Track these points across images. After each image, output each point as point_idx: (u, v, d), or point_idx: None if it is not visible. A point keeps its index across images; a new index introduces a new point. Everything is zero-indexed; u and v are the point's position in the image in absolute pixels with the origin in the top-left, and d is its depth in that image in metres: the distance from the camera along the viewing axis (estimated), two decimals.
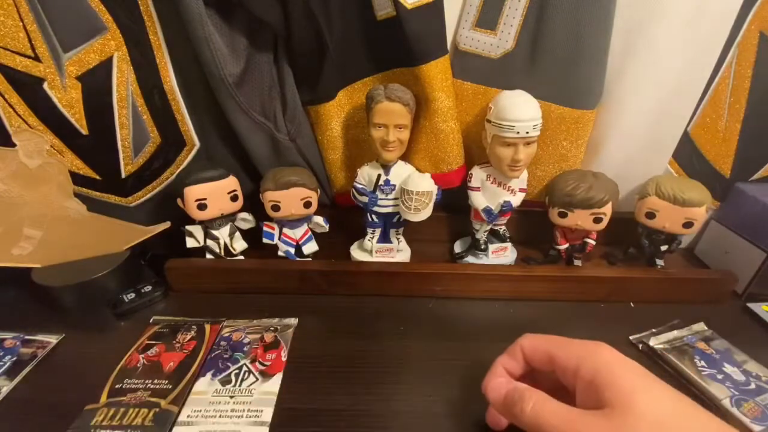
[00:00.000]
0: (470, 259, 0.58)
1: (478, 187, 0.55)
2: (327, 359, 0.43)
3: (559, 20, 0.48)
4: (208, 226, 0.55)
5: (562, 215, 0.54)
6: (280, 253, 0.56)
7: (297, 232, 0.57)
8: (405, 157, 0.55)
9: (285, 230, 0.56)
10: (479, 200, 0.55)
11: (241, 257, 0.57)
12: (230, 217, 0.56)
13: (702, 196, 0.51)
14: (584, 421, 0.24)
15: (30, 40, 0.45)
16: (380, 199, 0.54)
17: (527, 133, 0.47)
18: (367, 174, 0.54)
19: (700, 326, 0.47)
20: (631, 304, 0.52)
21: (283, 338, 0.45)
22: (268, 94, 0.53)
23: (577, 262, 0.58)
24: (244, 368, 0.41)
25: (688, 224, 0.52)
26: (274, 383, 0.39)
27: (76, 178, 0.51)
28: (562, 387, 0.29)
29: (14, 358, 0.42)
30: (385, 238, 0.58)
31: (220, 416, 0.36)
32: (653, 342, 0.44)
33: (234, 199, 0.54)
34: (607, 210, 0.52)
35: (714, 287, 0.52)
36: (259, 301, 0.51)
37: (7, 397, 0.38)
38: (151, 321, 0.48)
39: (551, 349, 0.29)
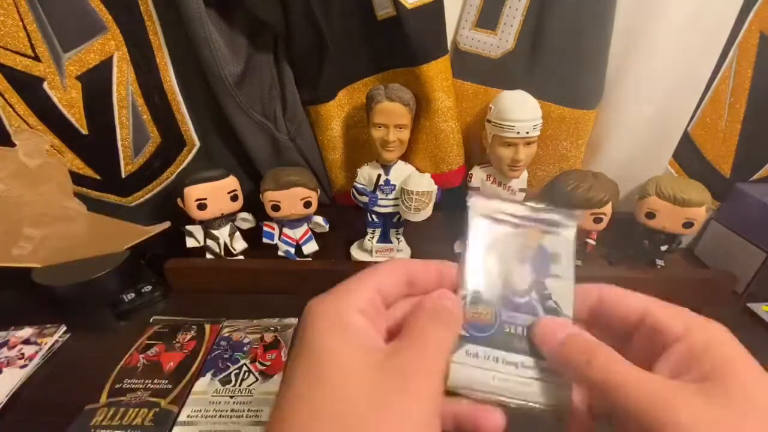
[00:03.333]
0: None
1: (478, 188, 0.55)
2: None
3: (560, 20, 0.48)
4: (208, 226, 0.55)
5: None
6: (280, 253, 0.56)
7: (297, 232, 0.56)
8: (405, 157, 0.55)
9: (285, 230, 0.56)
10: None
11: (241, 257, 0.57)
12: (230, 217, 0.56)
13: (702, 196, 0.51)
14: (674, 393, 0.18)
15: (30, 40, 0.45)
16: (380, 199, 0.54)
17: (527, 133, 0.47)
18: (367, 174, 0.54)
19: None
20: None
21: (283, 338, 0.45)
22: (268, 94, 0.53)
23: (578, 262, 0.58)
24: (244, 368, 0.41)
25: (688, 224, 0.52)
26: (274, 383, 0.39)
27: (76, 178, 0.51)
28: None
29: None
30: (385, 238, 0.58)
31: (220, 416, 0.36)
32: None
33: (234, 199, 0.54)
34: (607, 210, 0.52)
35: (714, 287, 0.52)
36: (259, 301, 0.51)
37: (8, 397, 0.38)
38: (151, 321, 0.48)
39: (649, 305, 0.23)
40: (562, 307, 0.23)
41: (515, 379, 0.22)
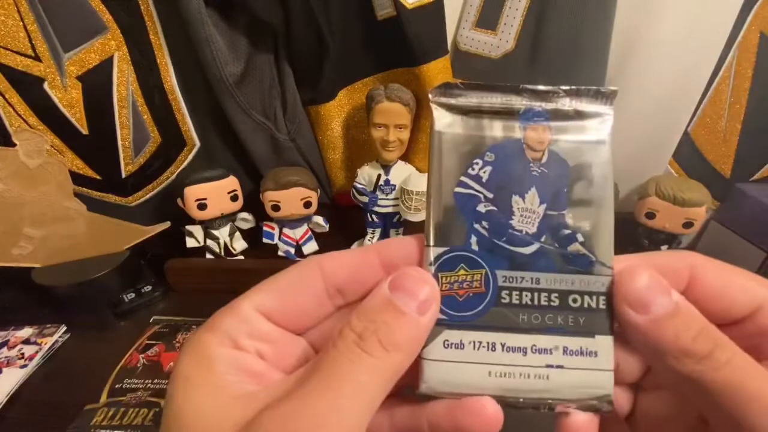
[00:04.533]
0: None
1: None
2: None
3: (560, 21, 0.48)
4: (208, 226, 0.55)
5: None
6: (280, 253, 0.56)
7: (297, 232, 0.56)
8: (405, 157, 0.55)
9: (285, 230, 0.56)
10: None
11: (241, 257, 0.57)
12: (230, 217, 0.56)
13: (702, 196, 0.51)
14: None
15: (30, 40, 0.45)
16: (380, 199, 0.54)
17: None
18: (367, 174, 0.54)
19: None
20: None
21: None
22: (268, 94, 0.53)
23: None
24: None
25: (688, 224, 0.52)
26: None
27: (76, 178, 0.51)
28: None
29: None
30: (385, 238, 0.58)
31: None
32: None
33: (234, 199, 0.54)
34: None
35: None
36: None
37: (8, 397, 0.38)
38: (151, 321, 0.48)
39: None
40: (596, 253, 0.15)
41: (524, 370, 0.15)
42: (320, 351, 0.14)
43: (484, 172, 0.16)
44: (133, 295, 0.50)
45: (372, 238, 0.57)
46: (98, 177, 0.53)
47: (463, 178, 0.16)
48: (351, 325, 0.14)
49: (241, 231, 0.58)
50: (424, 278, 0.15)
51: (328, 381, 0.13)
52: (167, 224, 0.53)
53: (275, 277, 0.16)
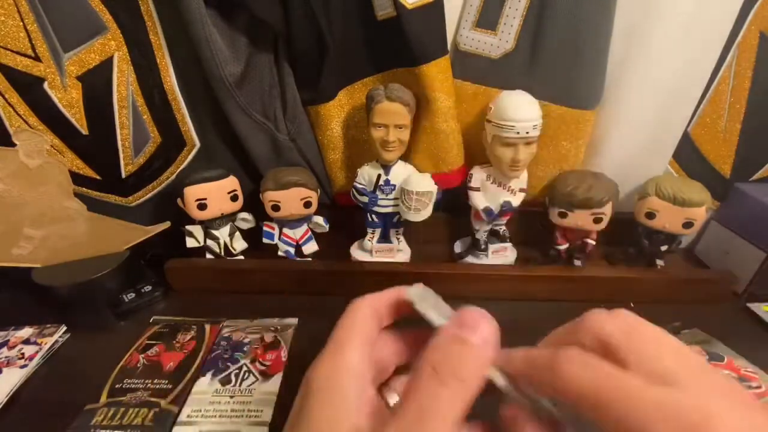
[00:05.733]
0: (470, 259, 0.58)
1: (478, 188, 0.55)
2: None
3: (560, 20, 0.48)
4: (208, 226, 0.55)
5: (563, 215, 0.54)
6: (280, 253, 0.56)
7: (297, 232, 0.57)
8: (405, 157, 0.55)
9: (285, 230, 0.56)
10: (479, 200, 0.55)
11: (241, 257, 0.57)
12: (230, 217, 0.56)
13: (702, 196, 0.51)
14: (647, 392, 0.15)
15: (30, 40, 0.45)
16: (380, 199, 0.54)
17: (527, 133, 0.47)
18: (367, 174, 0.54)
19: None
20: (631, 304, 0.52)
21: (283, 338, 0.45)
22: (268, 94, 0.53)
23: (577, 262, 0.58)
24: (244, 368, 0.41)
25: (688, 224, 0.52)
26: (274, 383, 0.39)
27: (76, 178, 0.51)
28: None
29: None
30: (385, 238, 0.58)
31: (220, 416, 0.36)
32: None
33: (234, 199, 0.54)
34: (607, 210, 0.52)
35: (714, 287, 0.52)
36: (259, 301, 0.51)
37: (8, 397, 0.38)
38: (151, 321, 0.48)
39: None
40: None
41: None
42: (408, 382, 0.18)
43: None
44: (133, 295, 0.50)
45: (372, 238, 0.57)
46: (98, 177, 0.53)
47: None
48: (426, 359, 0.18)
49: (241, 231, 0.58)
50: (483, 316, 0.19)
51: (415, 415, 0.17)
52: (167, 224, 0.53)
53: (355, 314, 0.24)
